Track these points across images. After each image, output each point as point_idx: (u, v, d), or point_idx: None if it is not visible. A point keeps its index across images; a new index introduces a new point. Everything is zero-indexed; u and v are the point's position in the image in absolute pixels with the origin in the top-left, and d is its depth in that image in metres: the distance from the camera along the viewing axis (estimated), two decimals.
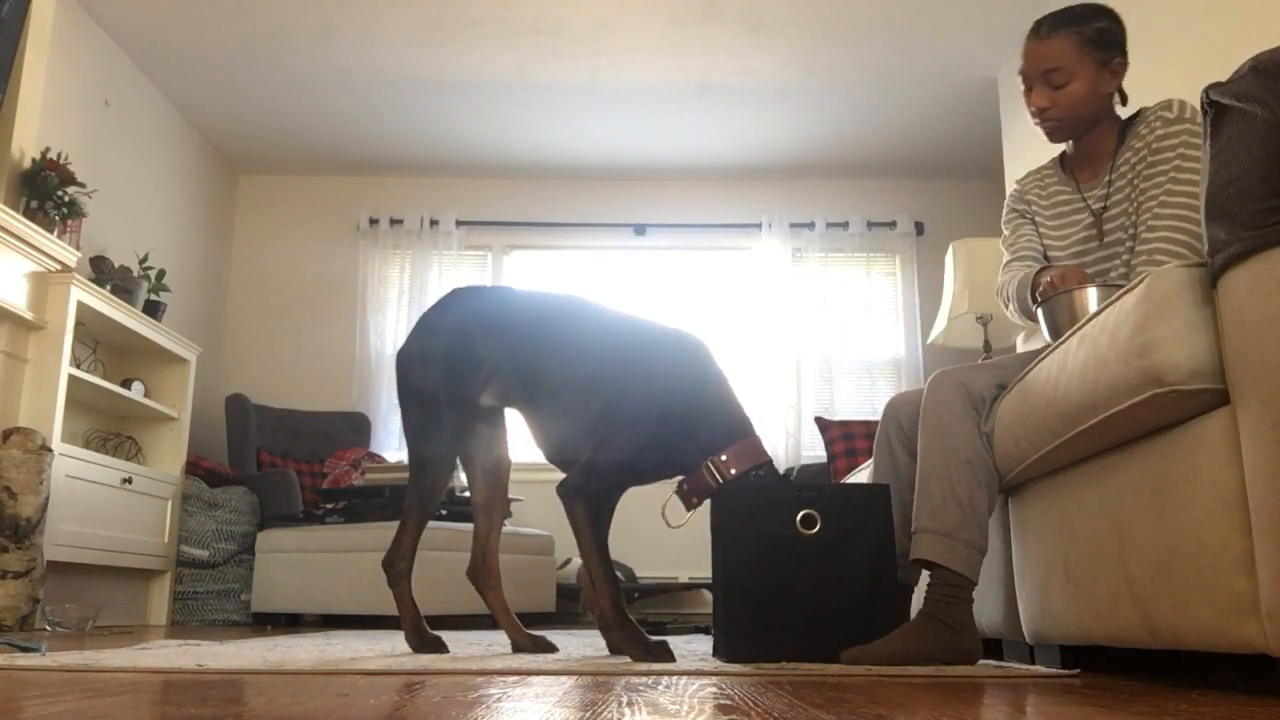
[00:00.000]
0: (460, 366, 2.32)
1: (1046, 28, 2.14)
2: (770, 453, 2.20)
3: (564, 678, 1.61)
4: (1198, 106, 1.96)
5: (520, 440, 2.55)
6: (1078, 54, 2.11)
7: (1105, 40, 2.11)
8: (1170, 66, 3.46)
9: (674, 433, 2.13)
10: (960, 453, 1.96)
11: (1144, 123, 2.09)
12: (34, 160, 3.87)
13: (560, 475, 2.27)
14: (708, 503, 2.16)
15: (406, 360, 2.39)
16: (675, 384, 2.15)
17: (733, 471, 2.10)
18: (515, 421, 2.47)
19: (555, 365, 2.26)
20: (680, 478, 2.19)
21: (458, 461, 2.44)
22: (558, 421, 2.27)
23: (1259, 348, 1.22)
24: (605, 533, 2.17)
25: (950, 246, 4.52)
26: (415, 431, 2.35)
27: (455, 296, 2.44)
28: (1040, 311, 1.98)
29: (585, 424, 2.19)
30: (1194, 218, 1.93)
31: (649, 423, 2.13)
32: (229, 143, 5.74)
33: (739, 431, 2.14)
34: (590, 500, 2.11)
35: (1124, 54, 2.14)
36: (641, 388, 2.15)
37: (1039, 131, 2.27)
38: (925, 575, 2.17)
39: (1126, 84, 2.20)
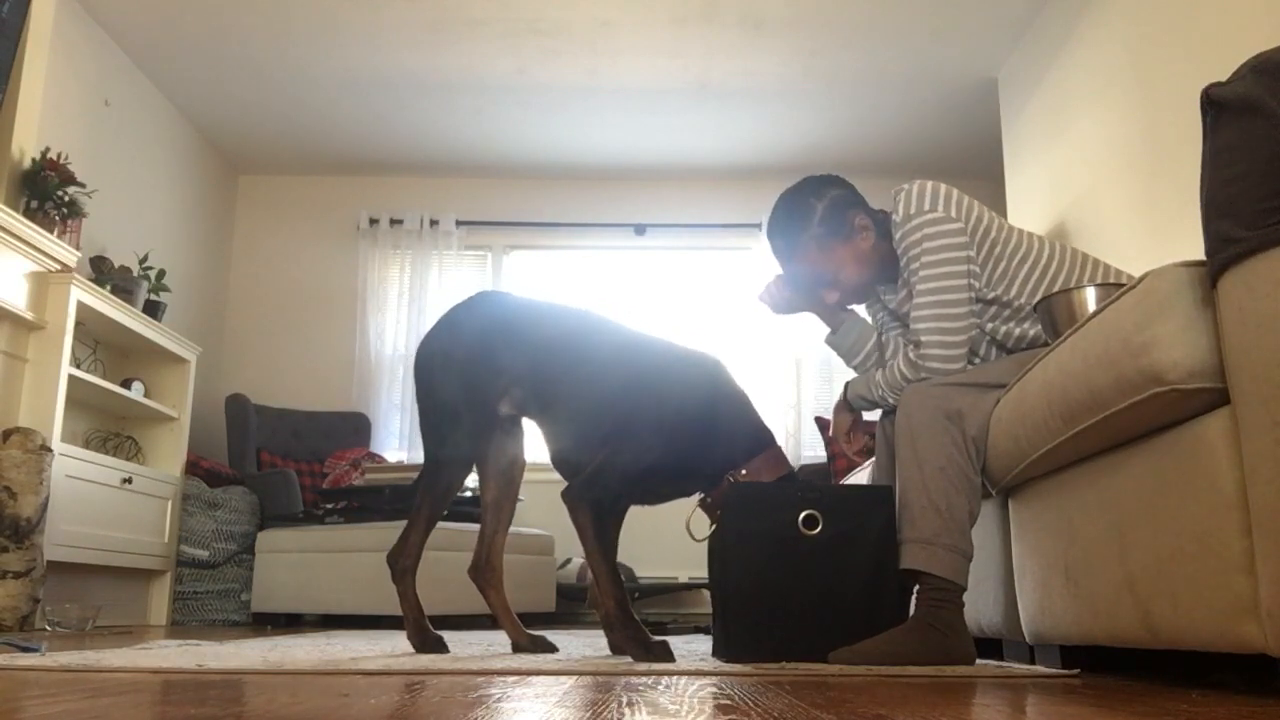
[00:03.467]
0: (482, 371, 2.32)
1: (785, 249, 2.23)
2: (795, 471, 2.21)
3: (564, 678, 1.61)
4: (937, 186, 2.11)
5: (528, 440, 2.55)
6: (822, 253, 2.21)
7: (833, 220, 2.19)
8: (1171, 66, 3.46)
9: (686, 450, 2.14)
10: (933, 461, 1.97)
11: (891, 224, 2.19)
12: (34, 160, 3.87)
13: (558, 478, 2.28)
14: None
15: (428, 357, 2.38)
16: (688, 402, 2.16)
17: None
18: (530, 424, 2.47)
19: (574, 380, 2.26)
20: (700, 494, 2.21)
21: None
22: (571, 435, 2.27)
23: (1259, 347, 1.22)
24: (608, 536, 2.18)
25: None
26: (432, 432, 2.35)
27: (483, 299, 2.43)
28: (1039, 311, 1.99)
29: (596, 438, 2.20)
30: (944, 300, 2.05)
31: (659, 440, 2.13)
32: (229, 143, 5.73)
33: (760, 444, 2.15)
34: (594, 505, 2.12)
35: (856, 204, 2.21)
36: (654, 405, 2.16)
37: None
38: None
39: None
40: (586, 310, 2.40)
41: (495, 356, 2.32)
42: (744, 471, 2.13)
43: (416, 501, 2.35)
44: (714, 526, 2.15)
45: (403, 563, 2.33)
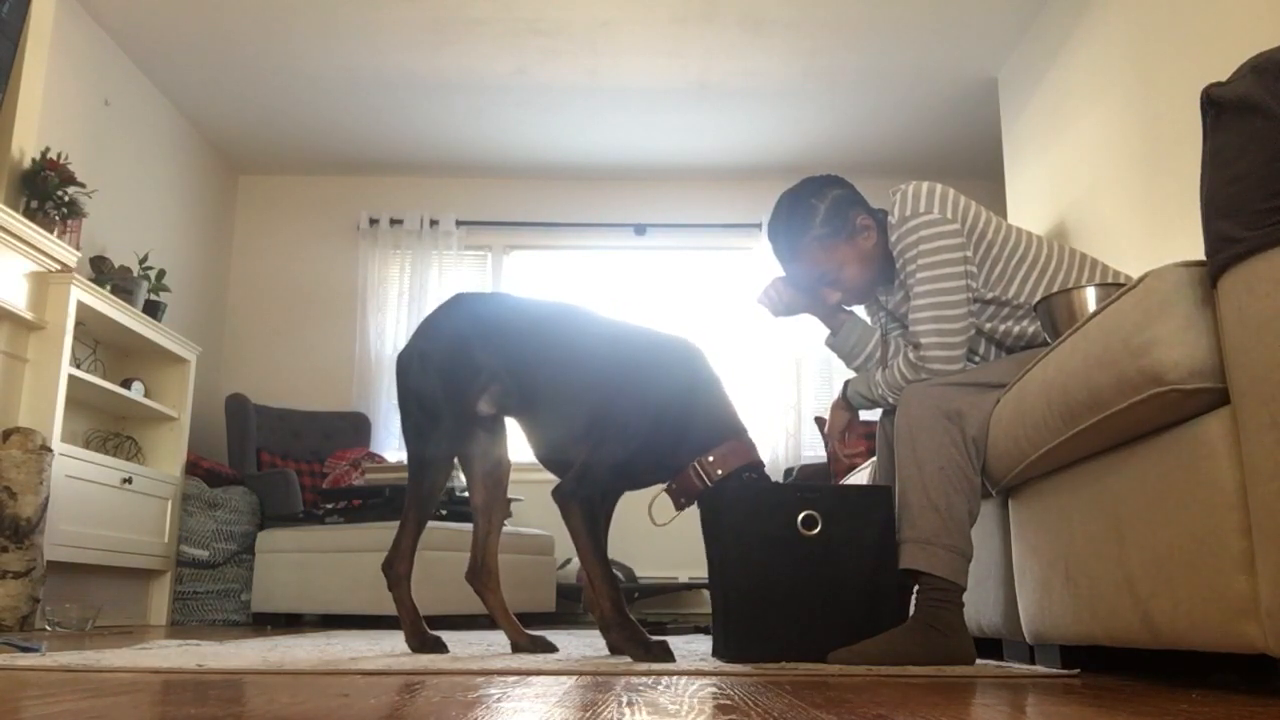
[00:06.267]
0: (458, 371, 2.33)
1: (787, 249, 2.22)
2: (770, 453, 2.22)
3: (564, 678, 1.61)
4: (933, 187, 2.10)
5: (520, 441, 2.56)
6: (825, 253, 2.19)
7: (835, 220, 2.17)
8: (1171, 66, 3.46)
9: (666, 436, 2.14)
10: (933, 461, 1.97)
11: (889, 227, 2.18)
12: (34, 160, 3.86)
13: (553, 477, 2.28)
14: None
15: (406, 362, 2.41)
16: (667, 388, 2.16)
17: (719, 472, 2.11)
18: (514, 424, 2.48)
19: (551, 372, 2.27)
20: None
21: (456, 462, 2.45)
22: (552, 426, 2.28)
23: (1259, 347, 1.22)
24: (602, 535, 2.18)
25: None
26: (413, 433, 2.36)
27: (457, 301, 2.44)
28: (1039, 311, 1.99)
29: (578, 428, 2.20)
30: (942, 301, 2.05)
31: (641, 426, 2.13)
32: (229, 143, 5.73)
33: (728, 433, 2.15)
34: (585, 504, 2.12)
35: (857, 204, 2.20)
36: (634, 392, 2.16)
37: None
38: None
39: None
40: (564, 303, 2.41)
41: (472, 354, 2.33)
42: (710, 458, 2.12)
43: (404, 506, 2.36)
44: (676, 514, 2.17)
45: (397, 569, 2.34)
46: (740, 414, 2.22)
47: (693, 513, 2.20)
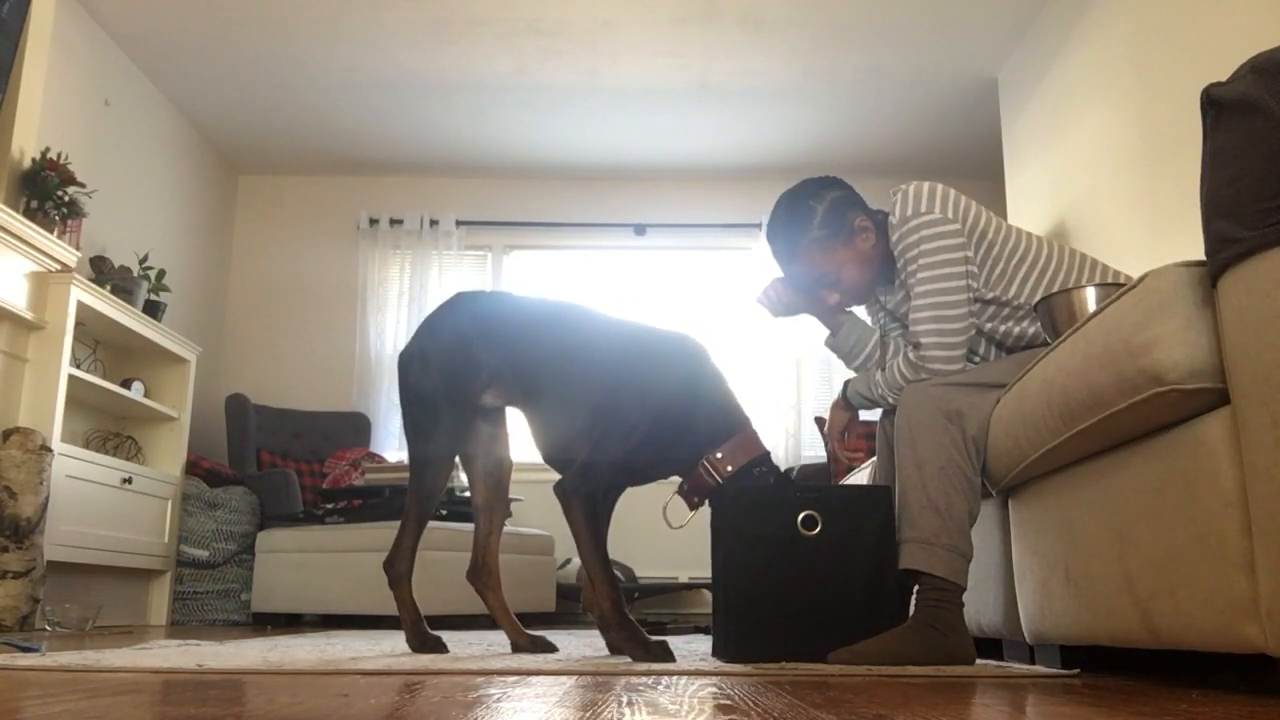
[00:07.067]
0: (460, 369, 2.34)
1: (785, 251, 2.21)
2: (770, 452, 2.21)
3: (564, 678, 1.61)
4: (934, 187, 2.10)
5: (520, 440, 2.56)
6: (823, 255, 2.19)
7: (833, 222, 2.17)
8: (1171, 66, 3.46)
9: (669, 431, 2.14)
10: (933, 461, 1.98)
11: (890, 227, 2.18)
12: (34, 160, 3.86)
13: (556, 476, 2.28)
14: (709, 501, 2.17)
15: (407, 361, 2.41)
16: (669, 383, 2.16)
17: (729, 468, 2.11)
18: (515, 422, 2.48)
19: (553, 369, 2.27)
20: (680, 479, 2.20)
21: (457, 461, 2.45)
22: (555, 422, 2.28)
23: (1259, 347, 1.22)
24: (603, 533, 2.18)
25: None
26: (414, 432, 2.37)
27: (458, 300, 2.45)
28: (1039, 311, 1.99)
29: (580, 425, 2.21)
30: (943, 301, 2.05)
31: (642, 422, 2.13)
32: (229, 143, 5.73)
33: (734, 427, 2.15)
34: (587, 501, 2.12)
35: (855, 205, 2.20)
36: (635, 387, 2.16)
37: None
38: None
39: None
40: (566, 301, 2.42)
41: (473, 352, 2.34)
42: (719, 455, 2.12)
43: (405, 505, 2.36)
44: (693, 514, 2.16)
45: (398, 568, 2.35)
46: (745, 407, 2.23)
47: (698, 512, 2.21)
